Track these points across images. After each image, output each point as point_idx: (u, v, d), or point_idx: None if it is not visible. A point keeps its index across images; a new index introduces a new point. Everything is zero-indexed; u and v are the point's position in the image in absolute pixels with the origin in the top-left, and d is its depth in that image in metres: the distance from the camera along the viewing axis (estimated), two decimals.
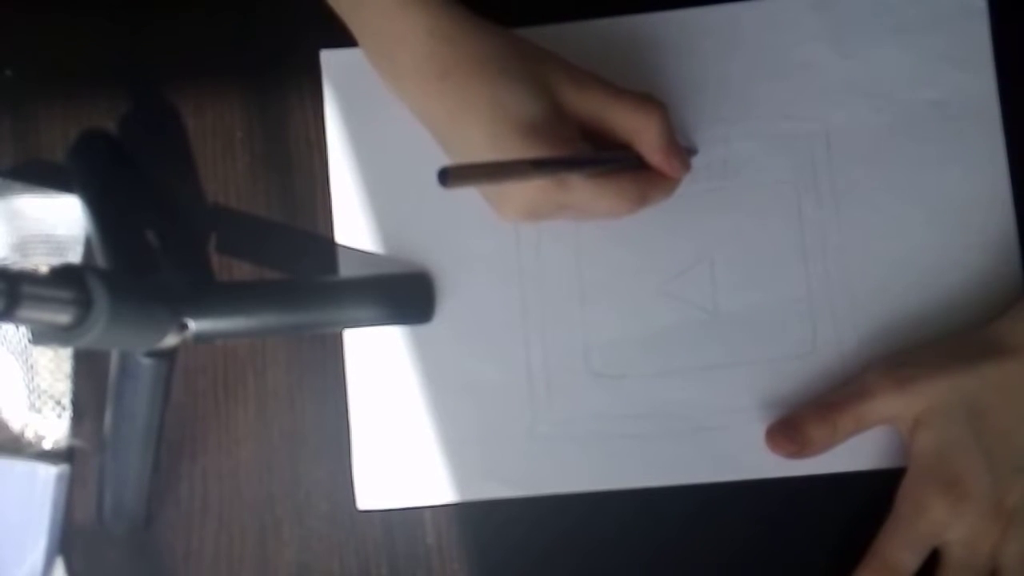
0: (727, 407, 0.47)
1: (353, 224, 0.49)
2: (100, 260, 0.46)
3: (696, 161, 0.48)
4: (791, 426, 0.45)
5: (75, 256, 0.49)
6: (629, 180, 0.44)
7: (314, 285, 0.48)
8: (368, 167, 0.49)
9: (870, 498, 0.45)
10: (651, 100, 0.44)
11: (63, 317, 0.35)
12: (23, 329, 0.49)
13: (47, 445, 0.49)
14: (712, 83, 0.48)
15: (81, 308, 0.36)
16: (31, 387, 0.49)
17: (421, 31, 0.43)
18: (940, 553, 0.44)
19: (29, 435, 0.49)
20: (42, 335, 0.36)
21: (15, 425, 0.49)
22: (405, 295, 0.48)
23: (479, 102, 0.42)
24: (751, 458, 0.46)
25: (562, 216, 0.45)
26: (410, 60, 0.44)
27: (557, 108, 0.43)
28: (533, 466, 0.47)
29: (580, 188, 0.43)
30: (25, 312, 0.33)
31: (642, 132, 0.43)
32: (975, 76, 0.47)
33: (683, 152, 0.45)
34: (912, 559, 0.44)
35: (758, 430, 0.46)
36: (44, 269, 0.36)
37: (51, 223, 0.49)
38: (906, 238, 0.47)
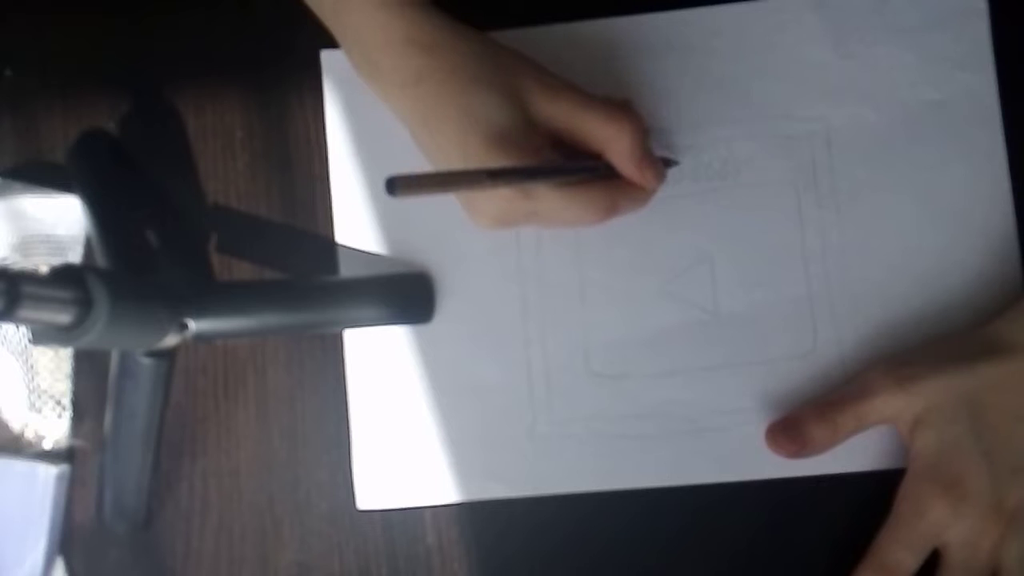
0: (727, 407, 0.47)
1: (353, 224, 0.49)
2: (100, 260, 0.46)
3: (696, 161, 0.48)
4: (791, 425, 0.45)
5: (75, 256, 0.49)
6: (599, 190, 0.44)
7: (314, 285, 0.48)
8: (368, 167, 0.49)
9: (870, 498, 0.45)
10: (624, 110, 0.44)
11: (63, 317, 0.35)
12: (23, 329, 0.49)
13: (47, 445, 0.49)
14: (712, 83, 0.48)
15: (81, 308, 0.36)
16: (31, 387, 0.49)
17: (399, 38, 0.43)
18: (940, 554, 0.44)
19: (29, 435, 0.49)
20: (42, 335, 0.36)
21: (15, 425, 0.49)
22: (405, 295, 0.48)
23: (449, 110, 0.42)
24: (751, 458, 0.46)
25: (534, 224, 0.45)
26: (388, 65, 0.44)
27: (527, 117, 0.43)
28: (533, 466, 0.47)
29: (547, 197, 0.43)
30: (25, 312, 0.33)
31: (613, 142, 0.43)
32: (975, 76, 0.47)
33: (657, 162, 0.45)
34: (912, 560, 0.44)
35: (758, 430, 0.46)
36: (44, 269, 0.36)
37: (51, 223, 0.49)
38: (906, 238, 0.47)
